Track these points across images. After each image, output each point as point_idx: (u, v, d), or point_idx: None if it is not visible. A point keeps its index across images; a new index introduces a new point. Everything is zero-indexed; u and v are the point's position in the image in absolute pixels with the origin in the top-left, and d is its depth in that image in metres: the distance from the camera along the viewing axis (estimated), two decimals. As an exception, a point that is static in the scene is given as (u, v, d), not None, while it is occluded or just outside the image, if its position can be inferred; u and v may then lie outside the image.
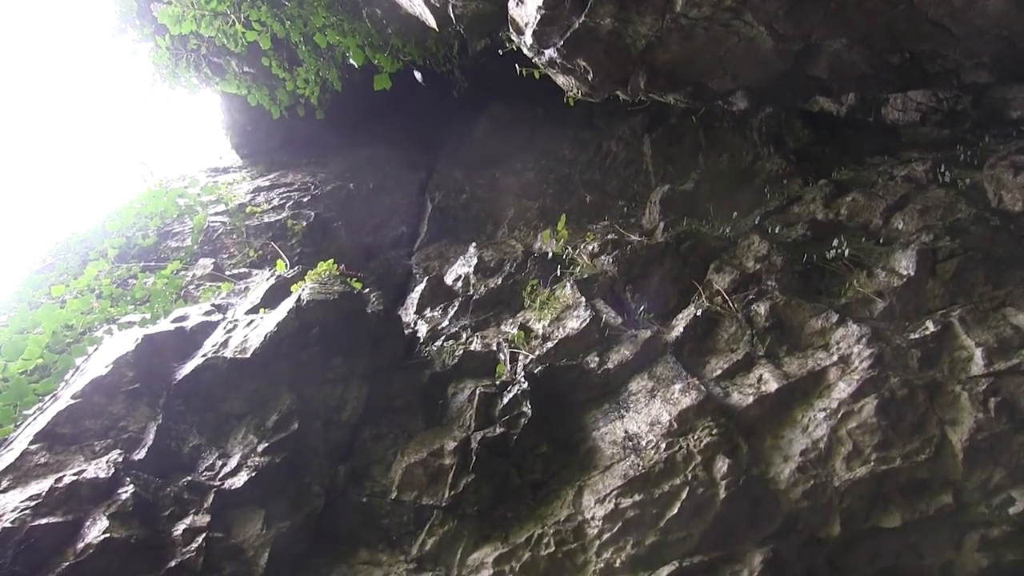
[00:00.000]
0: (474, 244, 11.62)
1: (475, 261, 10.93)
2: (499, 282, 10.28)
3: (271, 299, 8.81)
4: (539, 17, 7.34)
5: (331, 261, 8.97)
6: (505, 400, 7.44)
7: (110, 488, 6.13)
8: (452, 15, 8.57)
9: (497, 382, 7.82)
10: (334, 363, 7.90)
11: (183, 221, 12.84)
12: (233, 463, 6.86)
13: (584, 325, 8.15)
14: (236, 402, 7.48)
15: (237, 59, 13.24)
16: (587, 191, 12.79)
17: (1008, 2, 6.66)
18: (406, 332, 9.56)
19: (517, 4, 7.60)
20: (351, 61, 11.09)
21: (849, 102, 10.42)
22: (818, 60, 7.87)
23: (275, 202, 13.51)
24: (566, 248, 9.92)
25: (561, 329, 8.30)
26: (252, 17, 10.94)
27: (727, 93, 8.51)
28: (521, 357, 8.10)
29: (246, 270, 11.42)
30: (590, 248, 9.59)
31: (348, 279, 9.05)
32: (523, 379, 7.57)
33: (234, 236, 12.30)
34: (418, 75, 11.24)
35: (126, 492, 6.11)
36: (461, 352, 8.56)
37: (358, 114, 14.18)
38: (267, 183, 14.48)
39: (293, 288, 8.55)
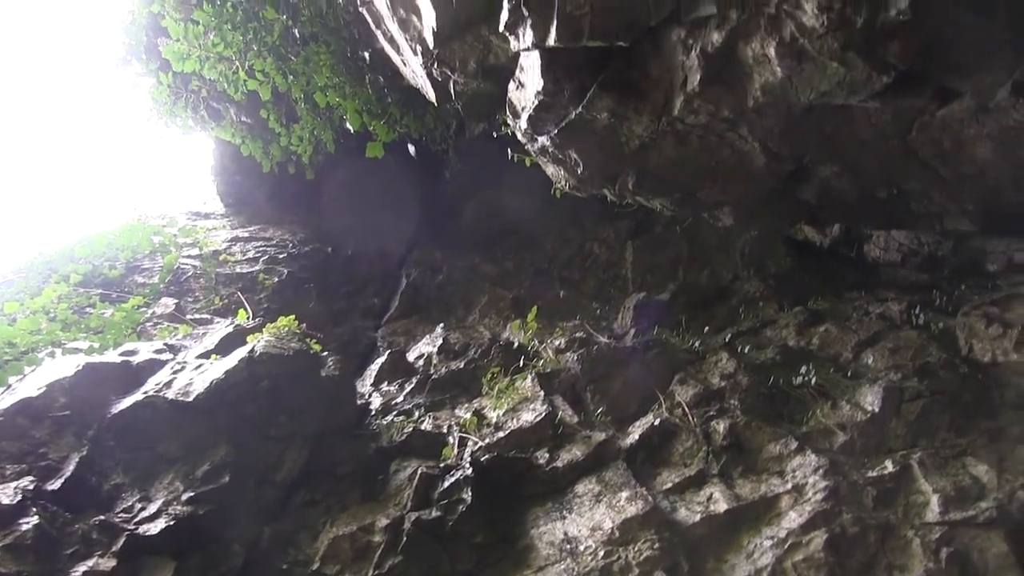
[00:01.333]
0: (442, 325, 11.45)
1: (440, 342, 10.74)
2: (461, 365, 10.09)
3: (225, 347, 8.56)
4: (536, 103, 7.33)
5: (292, 317, 8.75)
6: (446, 484, 7.17)
7: (13, 516, 5.78)
8: (453, 91, 8.58)
9: (441, 464, 7.56)
10: (279, 420, 7.64)
11: (154, 258, 12.63)
12: (153, 508, 6.53)
13: (539, 419, 7.94)
14: (171, 445, 7.19)
15: (236, 107, 13.22)
16: (563, 288, 12.70)
17: (995, 151, 6.71)
18: (359, 402, 9.33)
19: (517, 87, 7.61)
20: (348, 125, 11.05)
21: (833, 234, 10.45)
22: (808, 184, 7.88)
23: (250, 254, 13.34)
24: (533, 340, 9.77)
25: (515, 420, 8.08)
26: (256, 67, 10.94)
27: (715, 206, 8.50)
28: (470, 443, 7.86)
29: (208, 316, 11.18)
30: (557, 343, 9.44)
31: (308, 339, 8.83)
32: (468, 465, 7.32)
33: (203, 281, 12.08)
34: (412, 149, 11.22)
35: (28, 523, 5.76)
36: (410, 430, 8.31)
37: (348, 179, 14.11)
38: (246, 234, 14.34)
39: (249, 339, 8.31)
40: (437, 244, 14.50)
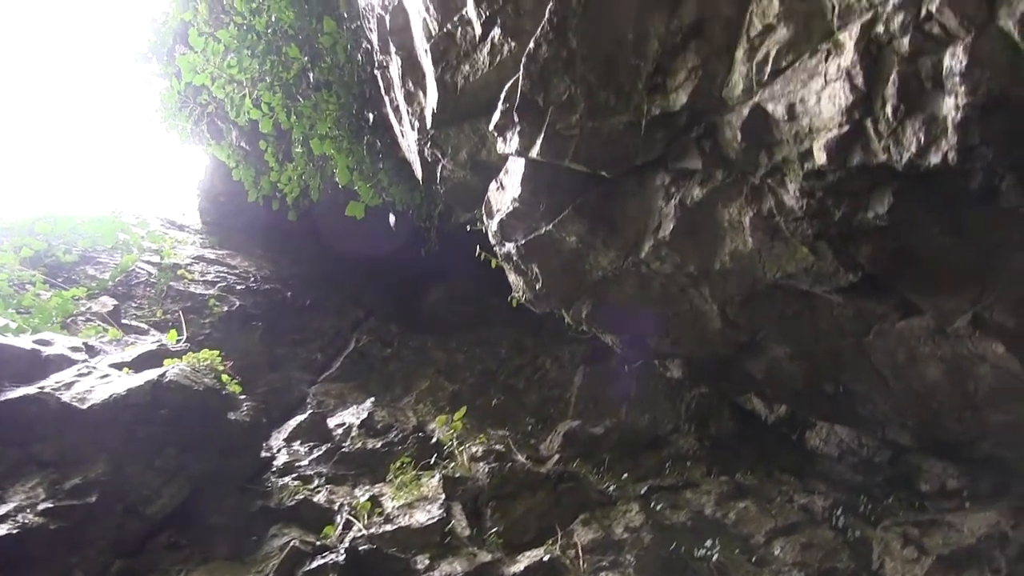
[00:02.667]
0: (374, 399, 11.19)
1: (365, 416, 10.47)
2: (377, 445, 9.80)
3: (142, 363, 8.28)
4: (511, 209, 7.25)
5: (216, 352, 8.49)
6: (314, 564, 6.80)
7: None
8: (439, 174, 8.52)
9: (318, 542, 7.20)
10: (168, 452, 7.31)
11: (112, 255, 12.40)
12: (2, 511, 6.15)
13: (431, 522, 7.63)
14: (47, 449, 6.85)
15: (238, 131, 13.19)
16: (505, 394, 12.46)
17: (945, 376, 6.63)
18: (264, 455, 9.02)
19: (498, 188, 7.54)
20: (336, 178, 10.98)
21: (779, 412, 10.30)
22: (758, 359, 7.77)
23: (209, 277, 13.13)
24: (453, 440, 9.49)
25: (408, 516, 7.77)
26: (264, 98, 10.92)
27: (665, 356, 8.36)
28: (355, 528, 7.52)
29: (145, 327, 10.90)
30: (474, 450, 9.17)
31: (227, 378, 8.55)
32: (344, 551, 6.96)
33: (152, 291, 11.83)
34: (392, 218, 11.11)
35: None
36: (302, 497, 8.00)
37: (324, 231, 14.03)
38: (213, 256, 14.16)
39: (167, 362, 8.03)
40: (395, 318, 14.33)
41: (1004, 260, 5.67)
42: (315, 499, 8.11)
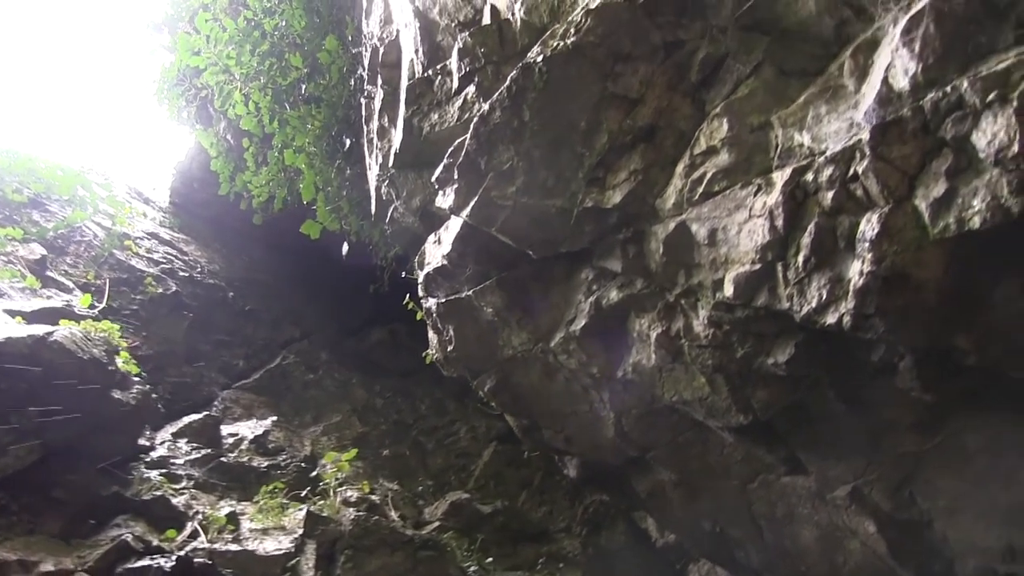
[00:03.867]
0: (277, 419, 10.96)
1: (261, 432, 10.25)
2: (262, 464, 9.58)
3: (38, 317, 8.10)
4: (439, 265, 7.17)
5: (117, 327, 8.31)
6: (138, 563, 6.54)
7: None
8: (390, 215, 8.45)
9: (155, 543, 6.93)
10: (29, 412, 7.06)
11: (64, 207, 12.22)
12: None
13: (278, 554, 7.38)
14: (-93, 376, 6.61)
15: (227, 123, 13.14)
16: (411, 450, 12.23)
17: (818, 542, 6.51)
18: (142, 442, 8.75)
19: (435, 242, 7.46)
20: (302, 193, 10.90)
21: (668, 539, 10.07)
22: (645, 478, 7.61)
23: (156, 256, 12.94)
24: (335, 479, 9.24)
25: (258, 542, 7.51)
26: (254, 97, 10.89)
27: (559, 452, 8.19)
28: (200, 539, 7.25)
29: (69, 284, 10.67)
30: (350, 494, 8.92)
31: (127, 356, 8.34)
32: (175, 558, 6.70)
33: (91, 253, 11.62)
34: (345, 247, 10.99)
35: None
36: (160, 494, 7.75)
37: (282, 244, 13.90)
38: (167, 237, 13.99)
39: (63, 322, 7.83)
40: (329, 347, 14.14)
41: (892, 442, 5.59)
42: (174, 500, 7.87)
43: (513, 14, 6.62)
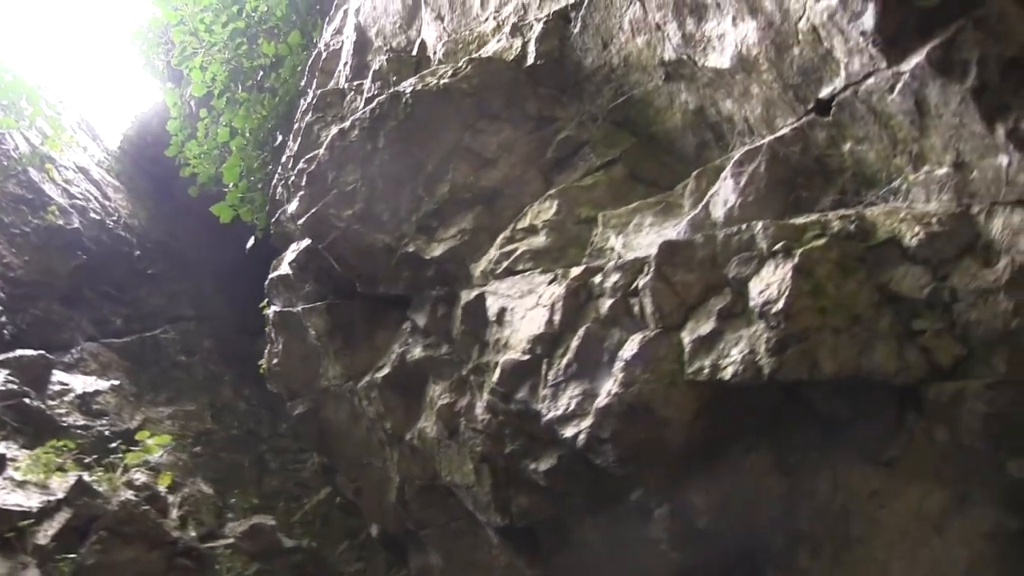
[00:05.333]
0: (118, 384, 10.54)
1: (92, 391, 9.88)
2: (75, 422, 9.21)
3: None
4: (283, 273, 6.99)
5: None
6: None
7: None
8: (277, 217, 8.19)
9: None
10: None
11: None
12: None
13: (16, 510, 6.91)
14: None
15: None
16: (251, 464, 11.75)
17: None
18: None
19: (293, 250, 7.20)
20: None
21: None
22: (418, 556, 7.15)
23: (74, 190, 12.59)
24: (139, 460, 8.75)
25: (6, 492, 7.06)
26: (212, 68, 10.77)
27: (349, 502, 7.83)
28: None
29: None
30: (137, 478, 8.46)
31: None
32: None
33: (2, 162, 11.31)
34: (251, 241, 10.72)
35: None
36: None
37: (214, 225, 13.49)
38: (98, 177, 13.66)
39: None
40: (216, 338, 13.73)
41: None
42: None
43: (435, 52, 6.50)
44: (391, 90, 5.45)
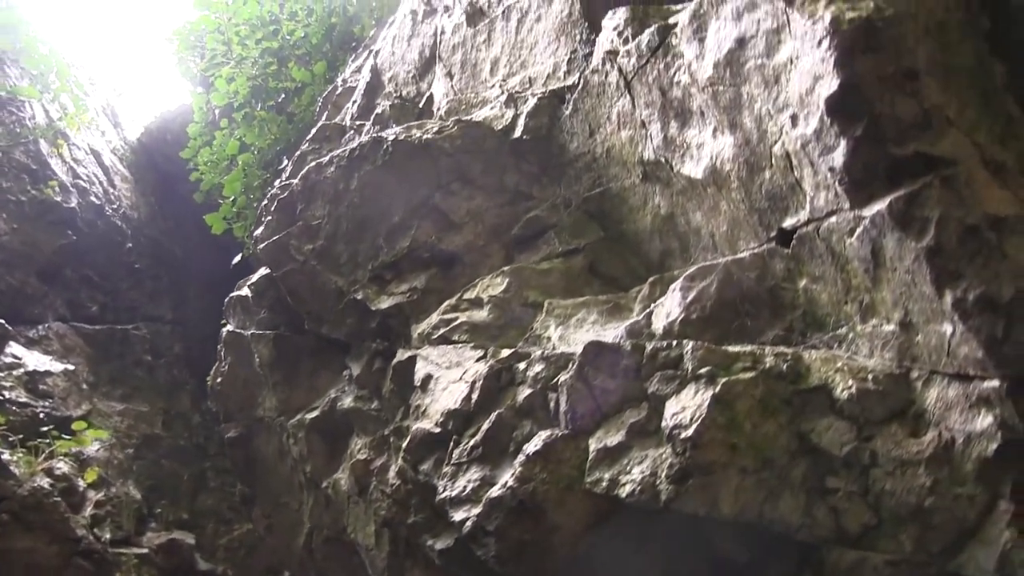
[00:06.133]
0: (72, 369, 10.37)
1: (44, 370, 9.69)
2: (14, 397, 8.99)
3: None
4: (242, 294, 6.92)
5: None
6: None
7: None
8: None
9: None
10: None
11: (23, 78, 11.93)
12: None
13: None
14: None
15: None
16: (190, 478, 11.49)
17: None
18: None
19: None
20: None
21: None
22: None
23: (80, 170, 12.53)
24: (67, 450, 8.54)
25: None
26: (238, 81, 10.80)
27: (260, 539, 7.58)
28: None
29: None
30: (58, 467, 8.24)
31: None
32: None
33: (15, 127, 11.31)
34: (237, 258, 10.63)
35: None
36: None
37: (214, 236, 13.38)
38: (108, 164, 13.62)
39: None
40: (189, 345, 13.55)
41: None
42: None
43: (439, 108, 6.46)
44: (374, 134, 5.37)
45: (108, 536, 8.69)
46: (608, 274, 4.66)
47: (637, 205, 4.68)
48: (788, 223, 3.66)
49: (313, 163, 5.66)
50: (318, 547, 6.33)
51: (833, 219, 3.36)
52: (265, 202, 6.02)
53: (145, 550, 9.10)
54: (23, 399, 9.10)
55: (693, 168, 4.13)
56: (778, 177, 3.64)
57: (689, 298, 3.84)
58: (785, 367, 3.39)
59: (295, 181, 5.72)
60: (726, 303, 3.80)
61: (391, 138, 5.21)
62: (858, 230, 3.21)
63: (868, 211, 3.14)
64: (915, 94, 3.06)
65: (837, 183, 3.24)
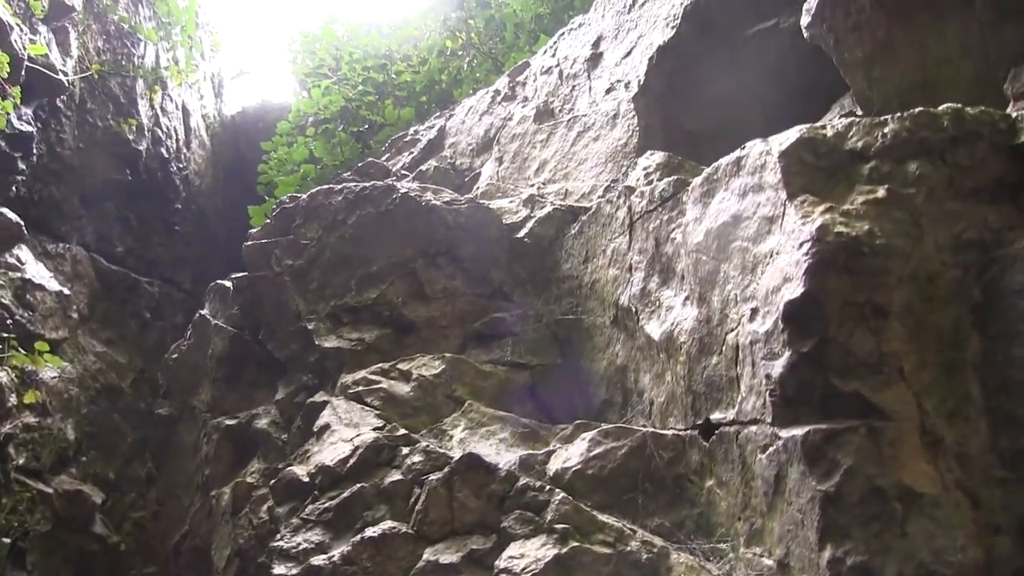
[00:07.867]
0: (68, 294, 10.40)
1: (29, 278, 9.68)
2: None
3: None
4: (228, 286, 6.75)
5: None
6: None
7: None
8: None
9: None
10: None
11: (150, 21, 12.35)
12: None
13: None
14: None
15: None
16: (135, 444, 11.33)
17: None
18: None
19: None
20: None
21: None
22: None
23: (164, 123, 12.83)
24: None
25: None
26: (324, 114, 11.09)
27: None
28: None
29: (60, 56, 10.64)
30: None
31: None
32: None
33: (117, 59, 11.65)
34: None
35: None
36: None
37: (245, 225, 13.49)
38: (194, 129, 13.88)
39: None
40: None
41: None
42: None
43: (480, 187, 6.47)
44: (388, 181, 5.36)
45: (20, 462, 8.54)
46: (545, 401, 4.50)
47: (600, 346, 4.54)
48: (715, 416, 3.46)
49: (326, 187, 5.65)
50: (185, 552, 6.14)
51: (754, 428, 3.16)
52: (277, 209, 6.02)
53: (50, 490, 8.91)
54: (4, 301, 9.11)
55: (655, 328, 3.98)
56: (722, 367, 3.46)
57: (593, 453, 3.66)
58: (645, 558, 3.17)
59: (303, 197, 5.71)
60: (629, 472, 3.61)
61: (402, 191, 5.18)
62: (771, 449, 3.01)
63: (786, 433, 2.92)
64: (877, 332, 2.85)
65: (768, 393, 3.04)
